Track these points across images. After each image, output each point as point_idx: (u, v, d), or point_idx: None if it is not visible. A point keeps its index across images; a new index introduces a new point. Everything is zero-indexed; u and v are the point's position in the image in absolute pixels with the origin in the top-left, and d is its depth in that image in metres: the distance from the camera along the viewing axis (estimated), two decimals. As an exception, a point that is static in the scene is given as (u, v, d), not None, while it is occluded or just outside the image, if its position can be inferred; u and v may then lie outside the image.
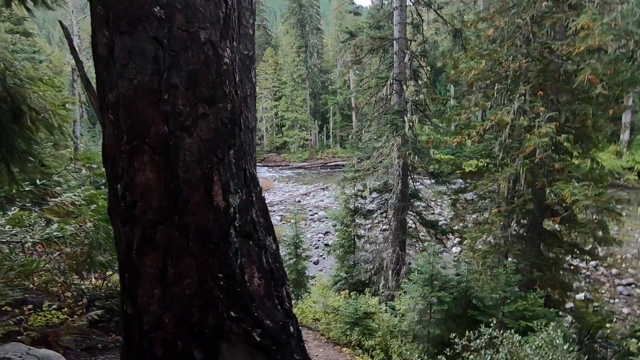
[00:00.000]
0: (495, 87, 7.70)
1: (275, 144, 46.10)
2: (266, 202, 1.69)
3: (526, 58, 7.39)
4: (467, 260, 8.00)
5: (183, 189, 1.28)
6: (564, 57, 7.45)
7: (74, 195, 3.16)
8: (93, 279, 4.02)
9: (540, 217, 9.04)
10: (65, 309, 2.89)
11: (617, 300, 15.30)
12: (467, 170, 23.75)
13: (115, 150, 1.30)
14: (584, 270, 16.98)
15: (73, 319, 2.75)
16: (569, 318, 10.46)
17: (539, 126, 6.97)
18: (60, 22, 2.48)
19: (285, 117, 44.43)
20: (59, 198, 3.12)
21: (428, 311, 7.51)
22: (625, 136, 26.06)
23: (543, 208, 8.80)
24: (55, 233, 3.00)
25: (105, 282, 3.80)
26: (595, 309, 13.32)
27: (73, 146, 18.02)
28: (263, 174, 39.74)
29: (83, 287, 3.42)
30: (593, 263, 15.95)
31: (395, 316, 8.49)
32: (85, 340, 2.68)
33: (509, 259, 8.90)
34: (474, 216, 9.78)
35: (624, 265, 17.63)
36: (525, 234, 8.82)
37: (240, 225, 1.38)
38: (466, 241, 9.77)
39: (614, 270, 17.25)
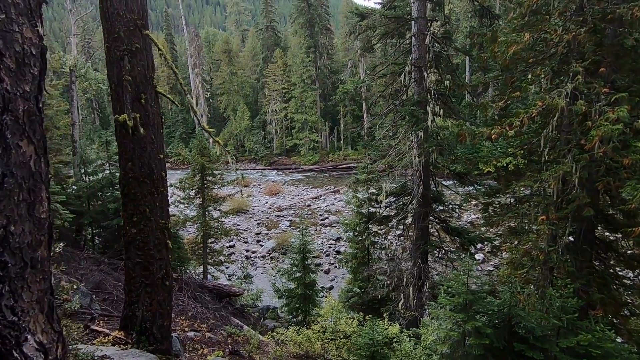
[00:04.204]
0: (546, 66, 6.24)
1: (285, 147, 44.99)
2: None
3: (581, 28, 5.93)
4: (509, 279, 6.51)
5: None
6: (629, 27, 5.96)
7: None
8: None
9: (593, 225, 7.50)
10: None
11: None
12: (485, 170, 22.12)
13: None
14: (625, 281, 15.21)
15: None
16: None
17: (603, 111, 5.49)
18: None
19: (295, 119, 43.29)
20: None
21: (462, 344, 6.10)
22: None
23: (596, 213, 7.26)
24: None
25: None
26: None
27: (72, 150, 17.14)
28: (272, 177, 38.63)
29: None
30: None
31: (418, 346, 7.08)
32: None
33: (556, 276, 7.37)
34: (512, 224, 8.28)
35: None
36: (576, 244, 7.28)
37: None
38: (504, 254, 8.26)
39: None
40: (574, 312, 5.73)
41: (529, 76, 7.04)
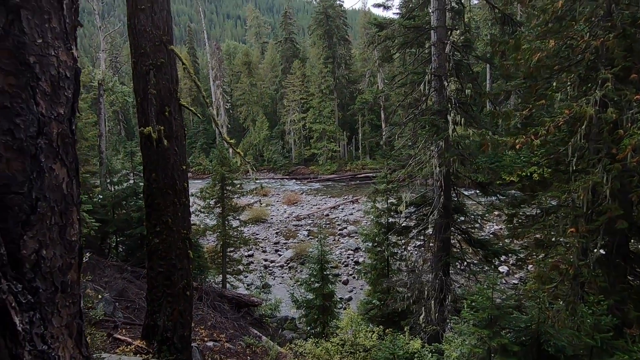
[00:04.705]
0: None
1: (304, 157, 45.24)
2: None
3: (609, 33, 5.74)
4: (536, 294, 6.25)
5: None
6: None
7: None
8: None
9: (626, 238, 7.13)
10: None
11: None
12: (508, 180, 21.58)
13: None
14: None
15: None
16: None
17: (636, 119, 5.26)
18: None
19: (313, 128, 43.57)
20: None
21: (488, 361, 5.85)
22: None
23: (630, 226, 6.90)
24: None
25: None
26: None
27: (99, 160, 17.78)
28: (291, 186, 38.83)
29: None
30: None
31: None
32: None
33: (587, 292, 7.04)
34: (538, 235, 7.98)
35: None
36: (609, 258, 6.93)
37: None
38: (530, 267, 7.95)
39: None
40: (608, 330, 5.43)
41: (554, 84, 6.85)
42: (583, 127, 6.16)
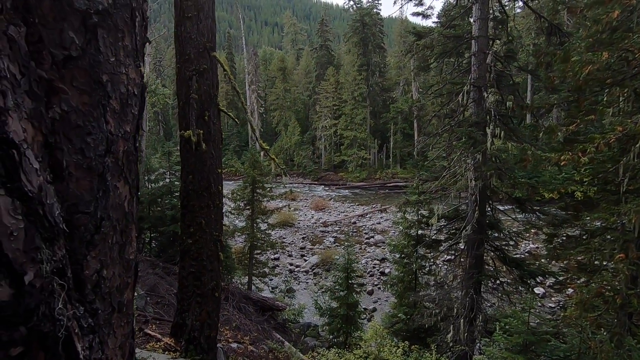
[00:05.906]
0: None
1: (333, 163, 45.27)
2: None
3: (671, 47, 5.33)
4: (577, 322, 5.84)
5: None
6: None
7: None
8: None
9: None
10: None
11: None
12: (547, 197, 20.51)
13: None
14: None
15: None
16: None
17: (699, 139, 4.83)
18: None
19: (344, 135, 43.55)
20: None
21: (521, 390, 5.52)
22: None
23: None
24: None
25: None
26: None
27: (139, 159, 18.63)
28: (319, 192, 38.91)
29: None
30: None
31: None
32: None
33: (635, 324, 6.51)
34: (579, 257, 7.48)
35: None
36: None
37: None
38: (570, 290, 7.46)
39: None
40: (660, 368, 4.99)
41: (604, 98, 6.44)
42: (637, 145, 5.74)
